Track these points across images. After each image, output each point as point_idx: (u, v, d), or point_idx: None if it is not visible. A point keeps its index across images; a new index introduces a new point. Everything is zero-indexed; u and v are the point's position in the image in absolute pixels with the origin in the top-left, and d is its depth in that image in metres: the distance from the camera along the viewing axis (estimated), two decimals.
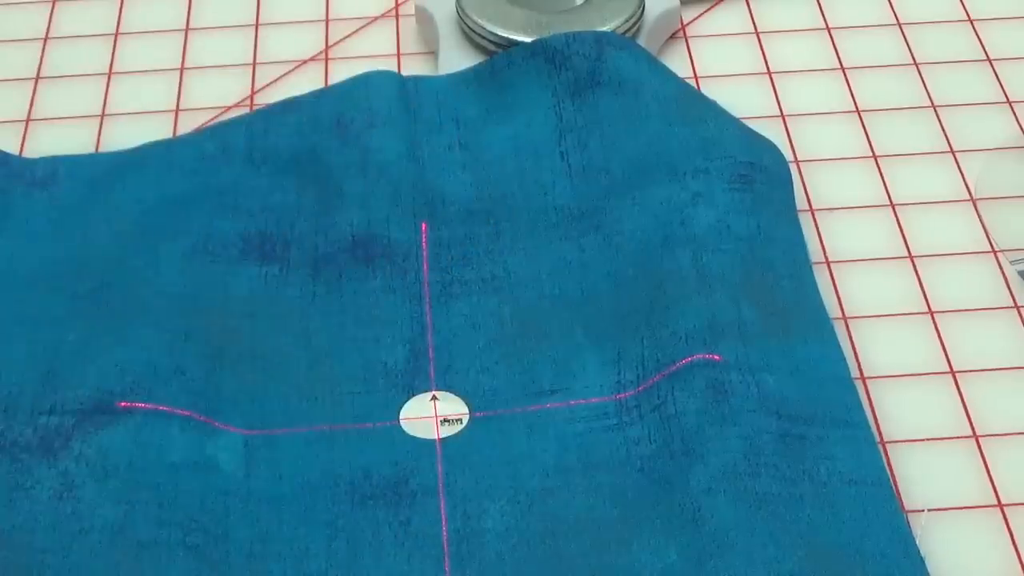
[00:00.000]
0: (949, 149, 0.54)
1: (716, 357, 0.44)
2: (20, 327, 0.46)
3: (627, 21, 0.55)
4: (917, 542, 0.40)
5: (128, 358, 0.44)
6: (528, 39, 0.54)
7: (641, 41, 0.56)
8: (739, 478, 0.41)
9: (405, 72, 0.58)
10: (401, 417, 0.44)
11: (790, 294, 0.46)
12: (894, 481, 0.43)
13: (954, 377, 0.47)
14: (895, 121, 0.56)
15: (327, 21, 0.60)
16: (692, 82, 0.57)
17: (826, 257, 0.50)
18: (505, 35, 0.55)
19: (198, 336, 0.46)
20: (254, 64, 0.59)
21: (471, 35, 0.56)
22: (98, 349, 0.44)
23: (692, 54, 0.59)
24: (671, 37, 0.59)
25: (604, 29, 0.55)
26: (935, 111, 0.56)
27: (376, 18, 0.61)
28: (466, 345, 0.46)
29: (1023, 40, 0.59)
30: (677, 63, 0.58)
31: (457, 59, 0.56)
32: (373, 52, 0.59)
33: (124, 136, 0.55)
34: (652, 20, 0.57)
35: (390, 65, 0.58)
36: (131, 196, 0.50)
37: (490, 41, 0.55)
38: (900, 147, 0.55)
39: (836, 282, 0.49)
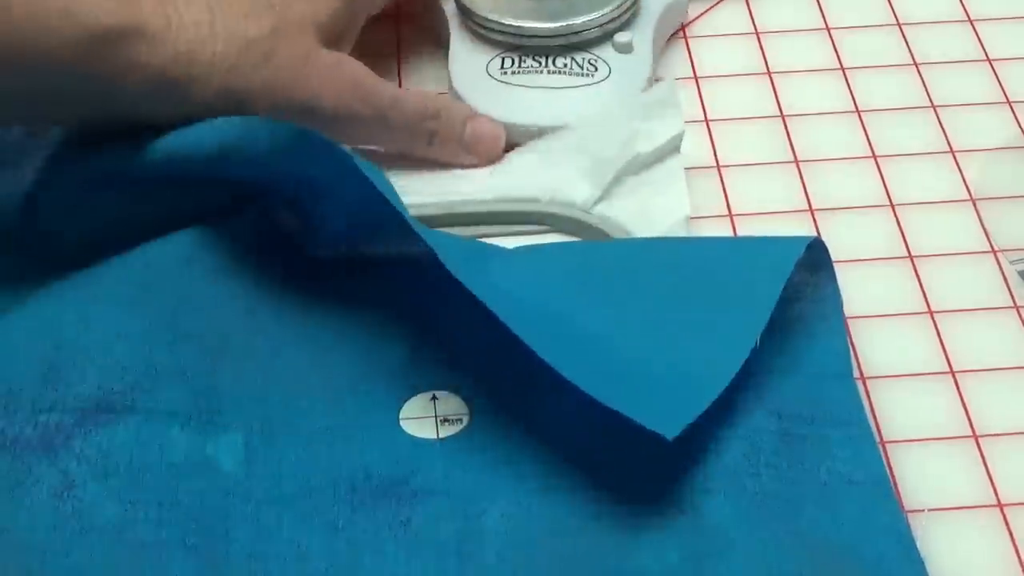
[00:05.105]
0: (949, 149, 0.54)
1: None
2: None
3: (621, 5, 0.55)
4: (917, 542, 0.40)
5: (129, 357, 0.44)
6: (534, 24, 0.54)
7: (649, 32, 0.56)
8: (739, 478, 0.41)
9: (405, 70, 0.58)
10: (401, 417, 0.44)
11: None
12: (894, 481, 0.43)
13: (954, 377, 0.47)
14: (895, 121, 0.56)
15: None
16: (692, 82, 0.57)
17: None
18: (511, 23, 0.55)
19: (198, 335, 0.46)
20: None
21: (475, 28, 0.56)
22: (98, 346, 0.44)
23: (692, 54, 0.59)
24: (671, 37, 0.59)
25: (602, 12, 0.55)
26: (935, 111, 0.56)
27: (377, 16, 0.61)
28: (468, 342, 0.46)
29: (1023, 40, 0.59)
30: (677, 63, 0.58)
31: (466, 51, 0.56)
32: (374, 51, 0.59)
33: None
34: (660, 11, 0.57)
35: (391, 62, 0.58)
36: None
37: (496, 31, 0.55)
38: (900, 147, 0.55)
39: (836, 281, 0.49)
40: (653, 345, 0.43)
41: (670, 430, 0.40)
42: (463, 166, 0.52)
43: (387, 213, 0.44)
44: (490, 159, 0.53)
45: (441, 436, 0.44)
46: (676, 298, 0.45)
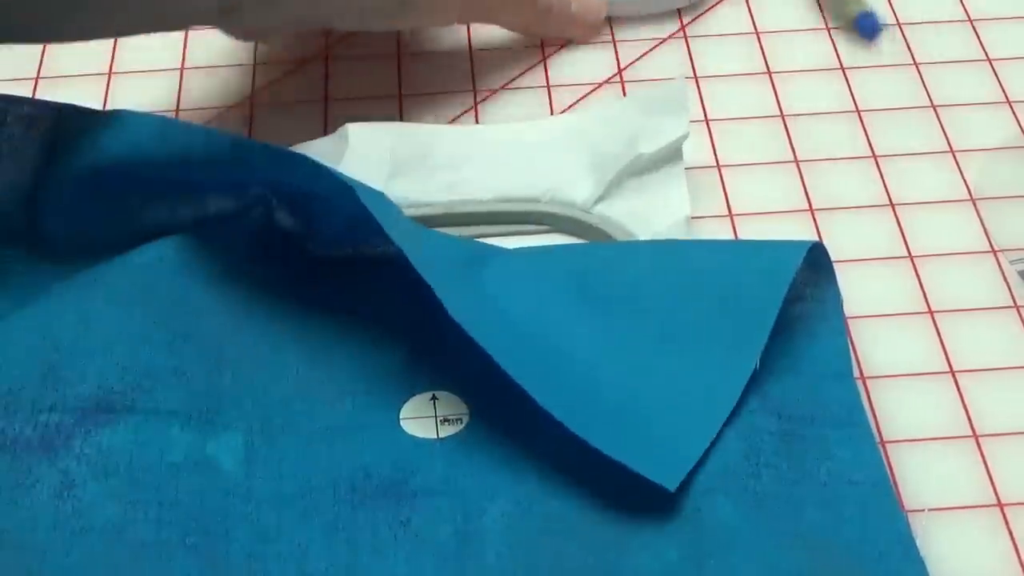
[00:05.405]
0: (949, 149, 0.54)
1: None
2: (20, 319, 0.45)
3: None
4: (917, 542, 0.40)
5: (129, 357, 0.44)
6: None
7: None
8: (739, 478, 0.41)
9: (404, 69, 0.58)
10: (401, 417, 0.44)
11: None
12: (894, 481, 0.43)
13: (954, 377, 0.47)
14: (895, 121, 0.56)
15: None
16: (692, 82, 0.57)
17: None
18: None
19: (198, 335, 0.46)
20: (254, 64, 0.59)
21: None
22: (98, 346, 0.44)
23: (692, 54, 0.59)
24: (671, 36, 0.59)
25: None
26: (935, 111, 0.56)
27: None
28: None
29: (1023, 40, 0.59)
30: (677, 63, 0.58)
31: None
32: (374, 51, 0.59)
33: None
34: None
35: (390, 62, 0.58)
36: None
37: None
38: (900, 147, 0.55)
39: (836, 283, 0.49)
40: (649, 376, 0.44)
41: (671, 480, 0.41)
42: (564, 39, 0.59)
43: (376, 228, 0.44)
44: (593, 32, 0.59)
45: (441, 436, 0.44)
46: (673, 316, 0.45)
